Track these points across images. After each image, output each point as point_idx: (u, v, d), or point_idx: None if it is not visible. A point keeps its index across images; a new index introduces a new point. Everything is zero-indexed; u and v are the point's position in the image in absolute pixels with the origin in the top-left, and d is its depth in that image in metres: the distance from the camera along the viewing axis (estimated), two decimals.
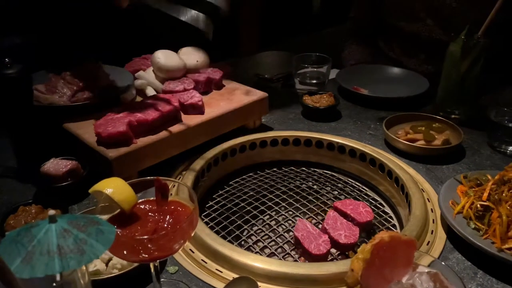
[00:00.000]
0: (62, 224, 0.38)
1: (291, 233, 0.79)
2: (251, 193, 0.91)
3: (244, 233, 0.80)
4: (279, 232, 0.79)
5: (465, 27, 1.01)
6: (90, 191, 0.53)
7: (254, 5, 2.84)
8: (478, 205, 0.71)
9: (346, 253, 0.75)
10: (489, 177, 0.76)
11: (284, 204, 0.88)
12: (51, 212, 0.38)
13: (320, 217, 0.84)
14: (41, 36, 1.04)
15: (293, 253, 0.75)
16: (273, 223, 0.82)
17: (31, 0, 1.02)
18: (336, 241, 0.73)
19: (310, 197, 0.90)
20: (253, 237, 0.79)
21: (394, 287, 0.48)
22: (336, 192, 0.93)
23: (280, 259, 0.74)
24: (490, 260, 0.65)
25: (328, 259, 0.73)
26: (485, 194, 0.71)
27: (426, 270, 0.50)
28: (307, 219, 0.84)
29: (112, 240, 0.40)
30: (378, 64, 1.43)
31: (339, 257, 0.75)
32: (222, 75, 1.07)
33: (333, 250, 0.75)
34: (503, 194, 0.70)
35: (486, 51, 1.00)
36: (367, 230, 0.80)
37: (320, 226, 0.78)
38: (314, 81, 1.21)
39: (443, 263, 0.52)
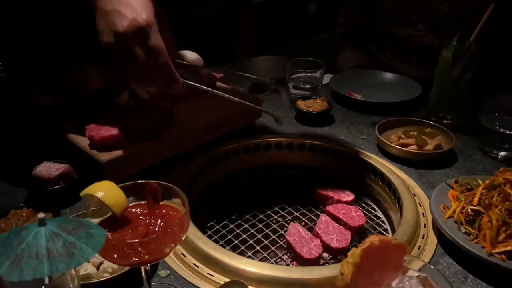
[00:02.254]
0: (52, 227, 0.38)
1: (283, 238, 0.79)
2: (244, 197, 0.91)
3: (236, 237, 0.80)
4: (271, 236, 0.79)
5: (456, 32, 1.02)
6: (81, 194, 0.53)
7: (250, 10, 2.85)
8: (469, 210, 0.71)
9: (338, 257, 0.75)
10: (480, 182, 0.76)
11: (276, 208, 0.88)
12: (41, 215, 0.38)
13: (313, 222, 0.85)
14: (35, 38, 1.03)
15: (285, 257, 0.76)
16: (265, 227, 0.82)
17: (26, 2, 1.01)
18: (328, 246, 0.73)
19: (303, 201, 0.90)
20: (245, 241, 0.79)
21: None
22: None
23: (272, 263, 0.74)
24: (480, 265, 0.65)
25: (320, 263, 0.73)
26: (476, 199, 0.72)
27: (416, 274, 0.51)
28: (299, 223, 0.84)
29: (102, 244, 0.40)
30: (371, 69, 1.44)
31: (331, 261, 0.75)
32: (216, 79, 1.07)
33: (325, 255, 0.75)
34: (493, 199, 0.70)
35: (478, 57, 1.02)
36: (359, 234, 0.80)
37: (312, 230, 0.79)
38: (308, 86, 1.21)
39: (432, 267, 0.52)
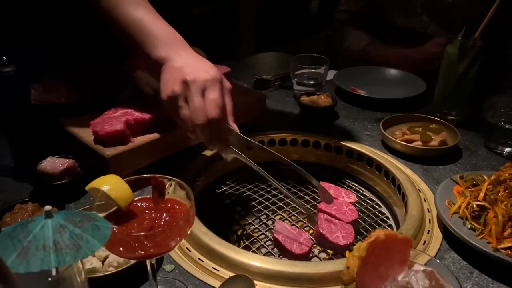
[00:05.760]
0: (58, 219, 0.38)
1: None
2: (248, 192, 0.91)
3: (241, 232, 0.80)
4: None
5: (460, 23, 1.01)
6: (86, 188, 0.53)
7: (251, 7, 2.85)
8: (474, 205, 0.71)
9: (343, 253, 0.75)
10: (485, 177, 0.76)
11: (281, 204, 0.88)
12: (47, 207, 0.38)
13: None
14: (40, 35, 1.04)
15: None
16: (269, 222, 0.82)
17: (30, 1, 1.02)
18: (336, 245, 0.72)
19: (307, 197, 0.90)
20: (249, 236, 0.79)
21: (389, 285, 0.48)
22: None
23: (276, 258, 0.74)
24: (485, 260, 0.65)
25: (326, 259, 0.73)
26: (481, 194, 0.72)
27: (422, 268, 0.50)
28: (303, 218, 0.84)
29: (108, 236, 0.40)
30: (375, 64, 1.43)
31: (336, 255, 0.75)
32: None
33: (328, 250, 0.75)
34: (499, 194, 0.70)
35: (483, 53, 1.01)
36: (357, 228, 0.80)
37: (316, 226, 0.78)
38: (312, 82, 1.21)
39: (438, 261, 0.52)
